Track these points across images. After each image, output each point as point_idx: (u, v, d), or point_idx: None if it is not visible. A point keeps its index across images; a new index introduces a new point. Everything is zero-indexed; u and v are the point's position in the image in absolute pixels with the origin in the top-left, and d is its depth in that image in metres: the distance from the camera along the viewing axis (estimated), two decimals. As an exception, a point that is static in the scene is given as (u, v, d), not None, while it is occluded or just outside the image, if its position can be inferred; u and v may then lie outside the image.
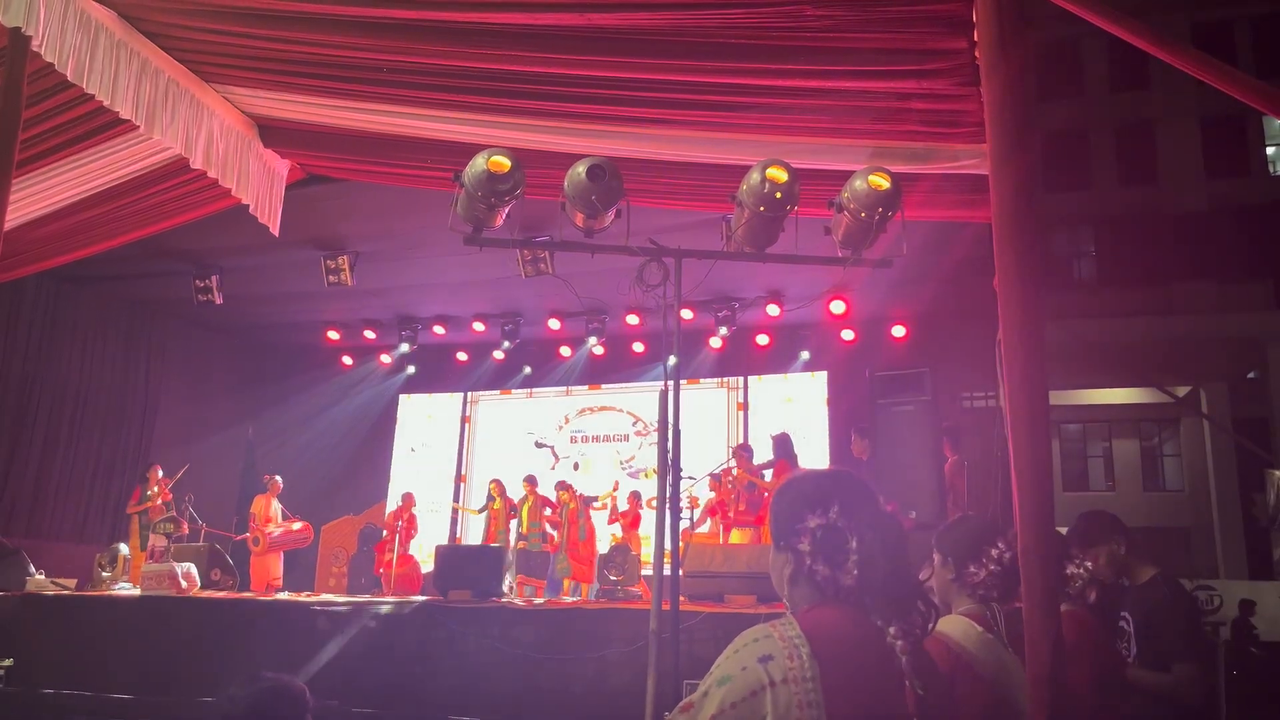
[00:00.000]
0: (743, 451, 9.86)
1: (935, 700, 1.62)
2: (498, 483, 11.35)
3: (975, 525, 2.60)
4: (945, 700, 1.70)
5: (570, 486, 10.96)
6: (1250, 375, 18.36)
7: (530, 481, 11.14)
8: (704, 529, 10.00)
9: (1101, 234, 22.20)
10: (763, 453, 10.00)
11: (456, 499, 13.86)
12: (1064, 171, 21.76)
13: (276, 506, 10.99)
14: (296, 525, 10.90)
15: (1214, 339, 17.04)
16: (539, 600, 8.25)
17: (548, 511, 10.95)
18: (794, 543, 1.68)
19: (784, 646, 1.56)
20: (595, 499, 11.12)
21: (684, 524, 9.11)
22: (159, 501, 10.30)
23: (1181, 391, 19.51)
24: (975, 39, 3.86)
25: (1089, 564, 3.11)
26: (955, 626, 2.30)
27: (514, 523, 11.04)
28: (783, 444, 9.51)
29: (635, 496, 10.99)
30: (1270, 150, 22.10)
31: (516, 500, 11.10)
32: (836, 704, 1.51)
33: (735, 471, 9.60)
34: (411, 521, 11.09)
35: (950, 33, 4.14)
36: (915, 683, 1.58)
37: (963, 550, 2.44)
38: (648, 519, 10.68)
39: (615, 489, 11.22)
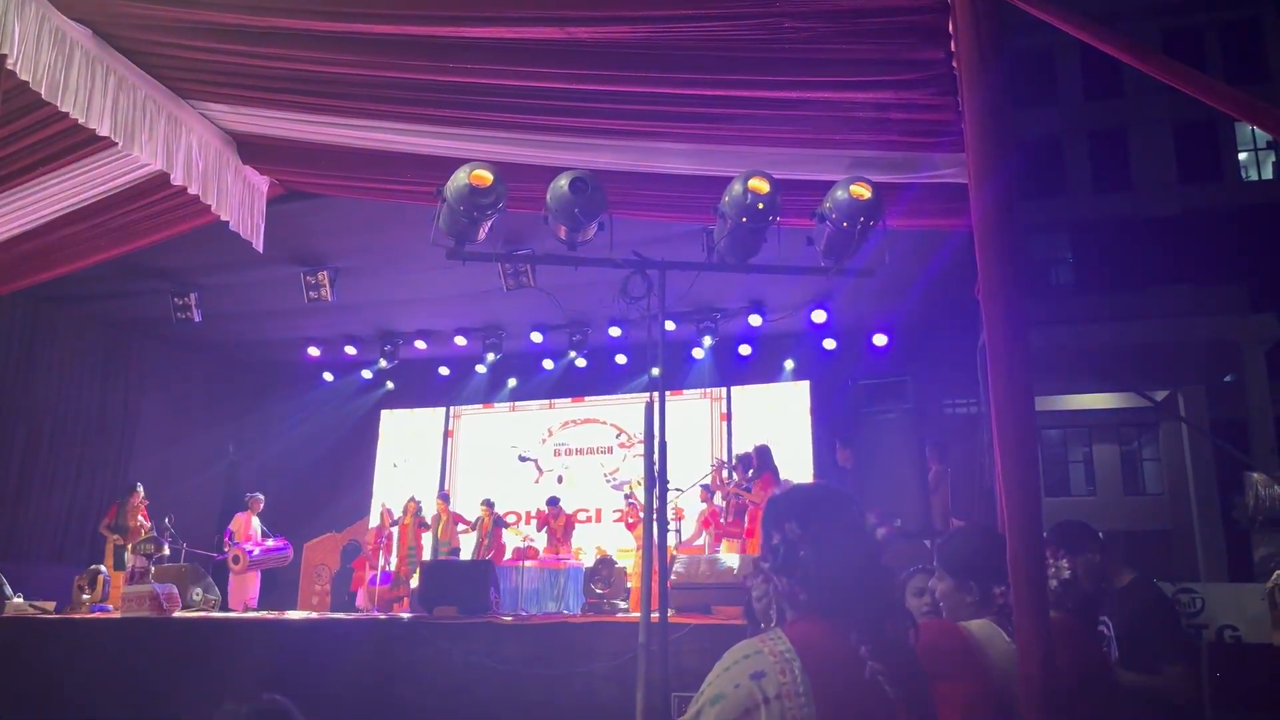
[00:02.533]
0: (739, 462, 9.77)
1: (919, 702, 1.63)
2: (413, 501, 11.50)
3: (987, 542, 2.54)
4: (928, 701, 1.70)
5: (491, 504, 11.24)
6: (1227, 378, 18.53)
7: (443, 499, 11.59)
8: (699, 541, 9.97)
9: (1077, 240, 22.43)
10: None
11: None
12: (1039, 179, 21.98)
13: (256, 524, 10.88)
14: (274, 542, 10.77)
15: (1190, 343, 17.18)
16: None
17: (460, 527, 11.21)
18: (763, 558, 1.75)
19: (775, 662, 1.56)
20: (506, 521, 11.50)
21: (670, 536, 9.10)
22: (138, 521, 10.12)
23: (1160, 396, 19.67)
24: (953, 49, 3.90)
25: (1067, 564, 3.12)
26: (982, 629, 2.31)
27: (427, 536, 11.17)
28: (763, 455, 9.47)
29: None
30: (1242, 155, 22.42)
31: (430, 517, 11.28)
32: (830, 717, 1.51)
33: (736, 476, 9.54)
34: (391, 537, 11.03)
35: (928, 43, 4.18)
36: (894, 691, 1.57)
37: (988, 572, 2.39)
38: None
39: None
